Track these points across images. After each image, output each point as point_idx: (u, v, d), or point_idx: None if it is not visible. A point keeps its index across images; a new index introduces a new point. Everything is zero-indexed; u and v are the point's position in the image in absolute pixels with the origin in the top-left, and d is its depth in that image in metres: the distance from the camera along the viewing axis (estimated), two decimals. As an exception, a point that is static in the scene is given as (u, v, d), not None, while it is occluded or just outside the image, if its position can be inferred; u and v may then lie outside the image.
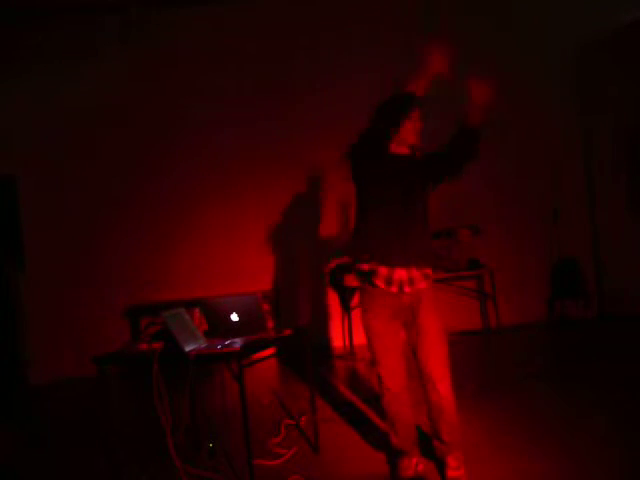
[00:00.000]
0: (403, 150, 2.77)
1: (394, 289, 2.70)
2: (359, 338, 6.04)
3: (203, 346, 2.89)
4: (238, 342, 2.85)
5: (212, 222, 6.46)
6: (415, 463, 2.85)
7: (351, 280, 5.87)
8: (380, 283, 2.70)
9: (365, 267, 2.73)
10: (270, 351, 3.16)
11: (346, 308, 6.06)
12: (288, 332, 3.29)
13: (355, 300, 6.07)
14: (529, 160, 6.65)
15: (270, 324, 3.18)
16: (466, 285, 6.51)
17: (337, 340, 6.41)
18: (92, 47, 6.35)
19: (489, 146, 7.21)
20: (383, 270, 2.69)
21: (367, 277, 2.74)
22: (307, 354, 3.42)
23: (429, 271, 2.77)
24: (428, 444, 2.97)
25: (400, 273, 2.69)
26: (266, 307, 3.20)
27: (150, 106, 6.47)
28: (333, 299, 6.46)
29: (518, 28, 6.53)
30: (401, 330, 2.80)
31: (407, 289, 2.70)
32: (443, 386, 2.71)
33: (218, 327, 3.07)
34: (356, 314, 6.00)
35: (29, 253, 6.28)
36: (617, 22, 6.17)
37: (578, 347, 5.46)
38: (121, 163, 6.47)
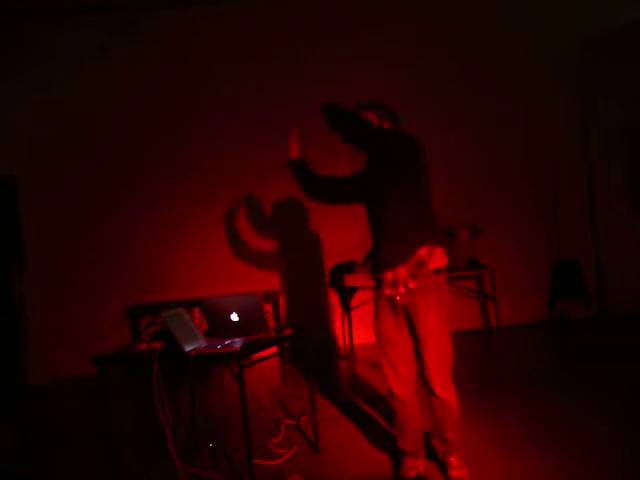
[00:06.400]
0: None
1: (389, 291, 2.69)
2: (359, 338, 6.05)
3: (203, 346, 2.89)
4: (238, 342, 2.85)
5: (213, 222, 6.45)
6: (419, 464, 2.85)
7: (351, 280, 5.87)
8: (387, 289, 2.70)
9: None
10: (270, 351, 3.16)
11: (346, 308, 6.05)
12: (288, 332, 3.28)
13: (355, 300, 6.07)
14: (529, 160, 6.65)
15: (270, 324, 3.18)
16: (466, 285, 6.51)
17: (337, 340, 6.41)
18: (92, 47, 6.34)
19: (489, 146, 7.26)
20: (388, 275, 2.68)
21: (378, 283, 2.76)
22: (307, 354, 3.42)
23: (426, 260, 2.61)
24: (430, 444, 2.98)
25: (400, 272, 2.65)
26: (266, 307, 3.20)
27: (150, 106, 6.47)
28: (333, 299, 6.46)
29: (518, 27, 6.53)
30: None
31: (402, 289, 2.65)
32: (442, 390, 2.65)
33: (218, 327, 3.06)
34: (356, 314, 6.00)
35: (29, 253, 6.28)
36: (617, 22, 6.18)
37: (578, 347, 5.46)
38: (121, 163, 6.46)
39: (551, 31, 6.51)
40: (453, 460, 2.77)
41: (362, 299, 5.92)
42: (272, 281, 6.50)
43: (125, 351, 3.07)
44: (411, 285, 2.62)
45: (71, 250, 6.35)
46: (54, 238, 6.29)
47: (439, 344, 2.65)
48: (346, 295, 6.08)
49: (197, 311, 3.21)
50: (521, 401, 3.91)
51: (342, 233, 6.23)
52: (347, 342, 6.07)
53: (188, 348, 2.80)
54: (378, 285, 2.76)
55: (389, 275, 2.67)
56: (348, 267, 5.99)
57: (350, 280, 5.87)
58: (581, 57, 6.69)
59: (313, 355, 3.45)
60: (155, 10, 6.44)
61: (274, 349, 3.33)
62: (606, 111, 6.49)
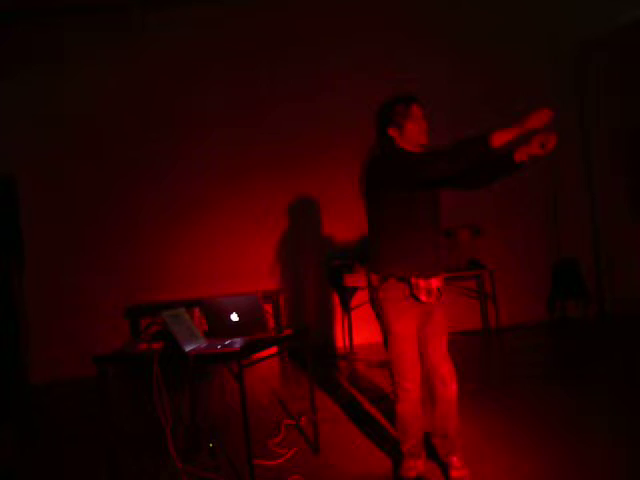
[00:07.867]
0: (416, 150, 2.78)
1: (431, 299, 2.68)
2: (359, 338, 6.05)
3: (203, 346, 2.89)
4: (238, 342, 2.85)
5: (213, 222, 6.46)
6: (419, 464, 2.84)
7: (351, 280, 5.87)
8: (422, 296, 2.67)
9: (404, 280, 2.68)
10: (270, 351, 3.16)
11: (346, 308, 6.05)
12: (288, 332, 3.28)
13: (355, 300, 6.07)
14: (529, 160, 6.64)
15: (270, 324, 3.18)
16: (466, 285, 6.51)
17: (337, 340, 6.41)
18: (92, 47, 6.35)
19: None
20: (422, 282, 2.67)
21: (408, 288, 2.69)
22: (307, 354, 3.42)
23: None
24: (430, 444, 2.97)
25: (434, 282, 2.70)
26: (266, 307, 3.20)
27: (150, 106, 6.46)
28: (333, 299, 6.45)
29: (518, 27, 6.53)
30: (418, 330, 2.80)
31: (433, 299, 2.69)
32: (452, 378, 2.77)
33: (218, 327, 3.06)
34: (356, 314, 6.00)
35: (29, 253, 6.28)
36: (617, 22, 6.18)
37: (578, 347, 5.47)
38: (121, 163, 6.46)
39: (550, 31, 6.50)
40: (455, 460, 2.78)
41: (362, 299, 5.92)
42: (272, 281, 6.50)
43: (125, 351, 3.07)
44: (443, 297, 2.76)
45: (71, 250, 6.35)
46: (54, 238, 6.29)
47: (446, 332, 2.82)
48: (346, 295, 6.08)
49: (197, 311, 3.21)
50: (521, 401, 3.91)
51: (342, 233, 6.23)
52: (347, 342, 6.07)
53: (188, 348, 2.80)
54: (411, 291, 2.68)
55: (422, 282, 2.67)
56: (348, 267, 5.99)
57: (350, 280, 5.87)
58: (581, 57, 6.69)
59: (313, 355, 3.45)
60: (154, 10, 6.44)
61: (274, 349, 3.33)
62: (606, 111, 6.49)
